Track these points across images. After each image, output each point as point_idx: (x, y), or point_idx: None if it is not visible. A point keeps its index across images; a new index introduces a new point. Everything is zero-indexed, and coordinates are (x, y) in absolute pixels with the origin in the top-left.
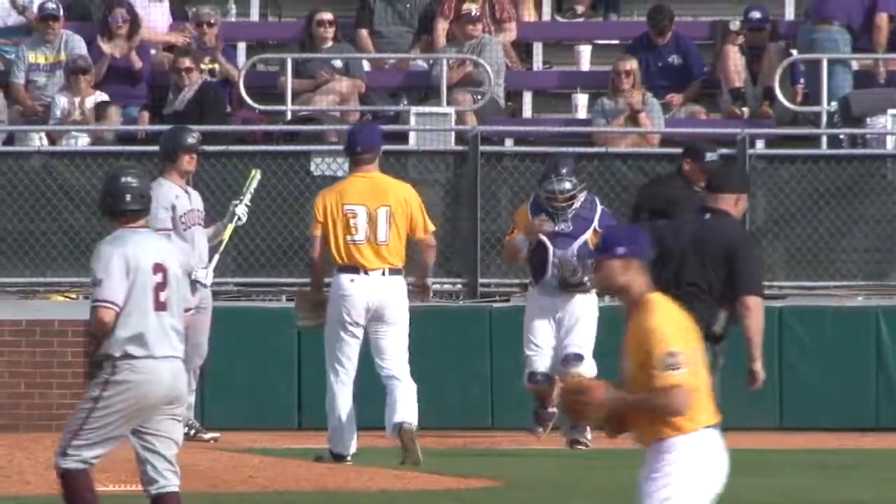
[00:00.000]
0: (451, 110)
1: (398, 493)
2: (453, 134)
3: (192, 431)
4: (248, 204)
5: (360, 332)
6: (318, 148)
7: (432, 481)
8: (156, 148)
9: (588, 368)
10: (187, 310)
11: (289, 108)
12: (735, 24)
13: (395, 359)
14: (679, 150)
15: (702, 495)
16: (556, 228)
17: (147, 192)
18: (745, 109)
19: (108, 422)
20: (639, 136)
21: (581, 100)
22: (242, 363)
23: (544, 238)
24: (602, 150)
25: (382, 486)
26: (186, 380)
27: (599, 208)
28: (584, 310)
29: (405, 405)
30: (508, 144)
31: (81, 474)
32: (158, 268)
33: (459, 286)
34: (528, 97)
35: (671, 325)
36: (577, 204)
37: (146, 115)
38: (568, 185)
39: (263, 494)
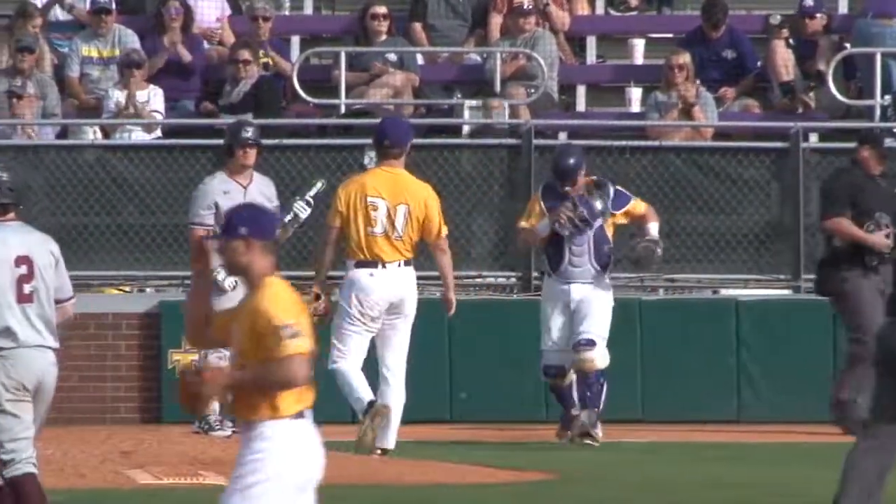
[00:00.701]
0: (504, 104)
1: (452, 486)
2: (507, 127)
3: None
4: (303, 209)
5: (376, 325)
6: (371, 141)
7: (487, 475)
8: (209, 141)
9: (600, 355)
10: (62, 301)
11: (342, 101)
12: (776, 19)
13: (400, 354)
14: (734, 144)
15: (290, 482)
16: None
17: (17, 186)
18: (798, 103)
19: (8, 412)
20: (692, 129)
21: (634, 93)
22: None
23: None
24: (655, 143)
25: (437, 480)
26: (55, 372)
27: (613, 189)
28: (600, 297)
29: (392, 428)
30: (562, 138)
31: (29, 479)
32: (22, 260)
33: (513, 279)
34: (581, 91)
35: (284, 302)
36: (583, 190)
37: (210, 107)
38: (573, 161)
39: (317, 488)
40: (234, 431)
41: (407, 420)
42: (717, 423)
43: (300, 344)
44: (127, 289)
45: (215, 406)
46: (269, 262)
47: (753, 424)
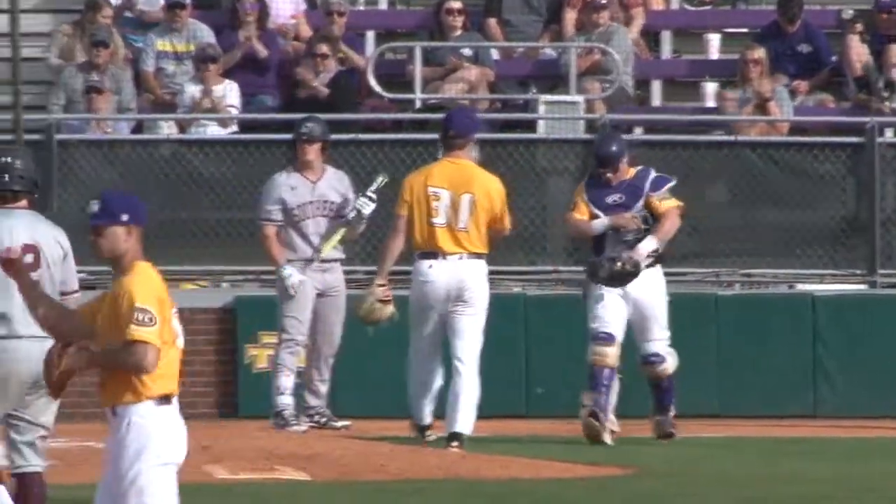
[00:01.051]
0: (580, 99)
1: (529, 481)
2: (582, 122)
3: (324, 420)
4: (365, 205)
5: (438, 315)
6: None
7: (564, 469)
8: (284, 136)
9: (670, 362)
10: (67, 293)
11: (417, 96)
12: (848, 13)
13: (468, 342)
14: (809, 139)
15: (166, 460)
16: (609, 200)
17: (29, 174)
18: (873, 98)
19: None
20: (768, 124)
21: (710, 88)
22: (374, 351)
23: (599, 212)
24: (731, 138)
25: (514, 474)
26: None
27: (652, 175)
28: (653, 287)
29: (464, 412)
30: (638, 133)
31: None
32: (29, 248)
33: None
34: (656, 85)
35: (149, 288)
36: (627, 175)
37: (313, 83)
38: (615, 148)
39: (395, 482)
40: (310, 426)
41: (483, 415)
42: (794, 418)
43: (148, 333)
44: (203, 284)
45: (290, 401)
46: (140, 247)
47: (830, 419)
